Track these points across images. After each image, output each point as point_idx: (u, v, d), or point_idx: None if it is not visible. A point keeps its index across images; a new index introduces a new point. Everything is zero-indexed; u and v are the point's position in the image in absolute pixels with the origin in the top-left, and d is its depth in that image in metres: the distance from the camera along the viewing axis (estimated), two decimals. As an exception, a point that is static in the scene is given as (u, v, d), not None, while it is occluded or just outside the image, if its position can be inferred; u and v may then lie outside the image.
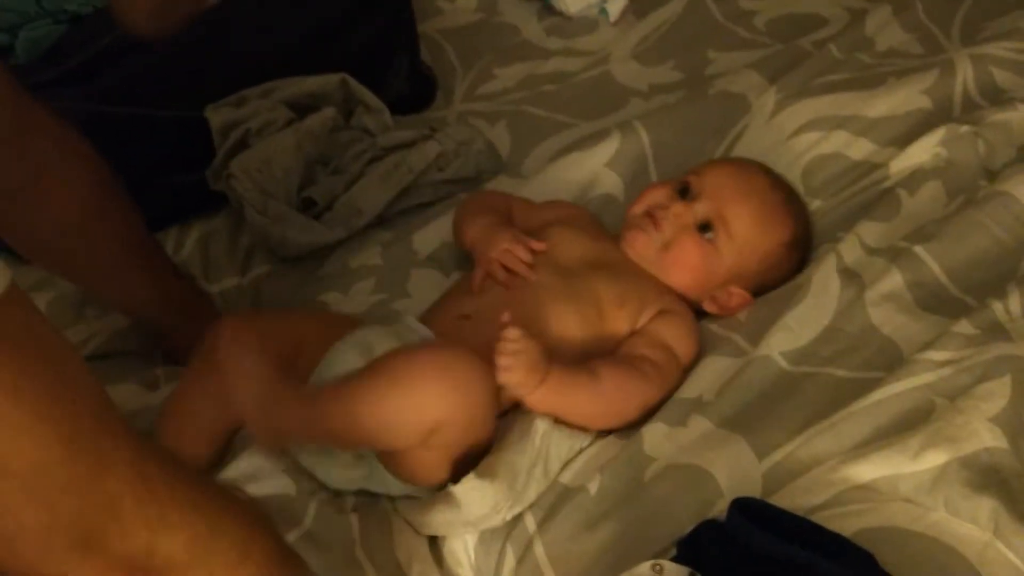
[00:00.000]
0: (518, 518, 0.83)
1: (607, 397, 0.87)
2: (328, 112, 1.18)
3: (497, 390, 0.82)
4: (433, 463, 0.83)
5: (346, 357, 0.88)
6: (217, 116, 1.17)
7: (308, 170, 1.17)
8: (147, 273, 1.01)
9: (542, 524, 0.82)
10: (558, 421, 0.87)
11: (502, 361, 0.83)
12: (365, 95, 1.23)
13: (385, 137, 1.19)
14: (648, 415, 0.89)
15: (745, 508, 0.73)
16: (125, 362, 1.04)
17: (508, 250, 0.95)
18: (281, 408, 0.79)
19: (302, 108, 1.20)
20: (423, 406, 0.78)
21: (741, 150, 1.15)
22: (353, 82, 1.22)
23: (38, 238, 0.93)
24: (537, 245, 0.96)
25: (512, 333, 0.83)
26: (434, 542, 0.85)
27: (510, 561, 0.80)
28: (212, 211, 1.20)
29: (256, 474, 0.87)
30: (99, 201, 0.94)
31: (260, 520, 0.69)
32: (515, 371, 0.83)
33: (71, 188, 0.91)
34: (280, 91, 1.20)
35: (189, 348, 0.96)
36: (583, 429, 0.88)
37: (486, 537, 0.82)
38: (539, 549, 0.80)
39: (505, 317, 0.84)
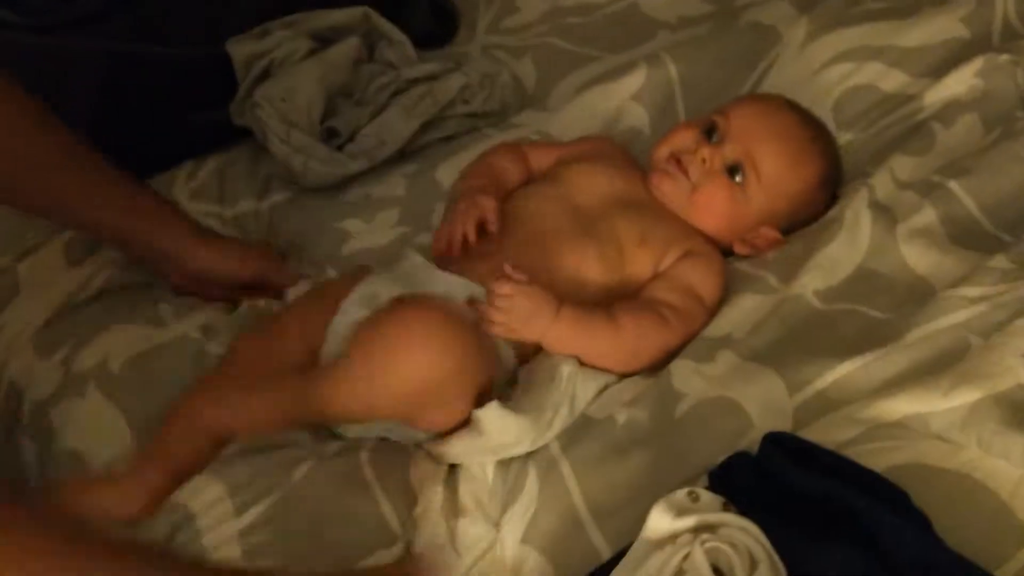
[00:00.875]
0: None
1: (626, 339, 0.87)
2: (352, 42, 1.16)
3: (472, 331, 0.81)
4: (449, 414, 0.83)
5: (351, 311, 0.87)
6: (240, 48, 1.15)
7: (331, 101, 1.16)
8: (112, 195, 0.97)
9: (567, 448, 0.81)
10: (583, 364, 0.86)
11: (493, 316, 0.84)
12: (388, 28, 1.21)
13: (409, 69, 1.18)
14: (672, 357, 0.88)
15: (778, 442, 0.73)
16: (132, 298, 1.02)
17: (464, 211, 0.92)
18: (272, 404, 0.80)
19: (325, 40, 1.18)
20: (406, 375, 0.77)
21: (771, 82, 1.13)
22: (376, 15, 1.20)
23: None
24: (491, 225, 0.92)
25: (500, 287, 0.84)
26: (451, 469, 0.85)
27: (532, 480, 0.79)
28: (231, 147, 1.19)
29: None
30: (35, 125, 0.92)
31: None
32: (509, 323, 0.84)
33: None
34: (303, 23, 1.18)
35: (182, 270, 0.97)
36: (607, 371, 0.88)
37: (504, 459, 0.82)
38: (565, 468, 0.79)
39: (506, 268, 0.85)
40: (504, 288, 0.84)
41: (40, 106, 0.93)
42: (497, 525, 0.79)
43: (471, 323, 0.82)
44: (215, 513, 0.79)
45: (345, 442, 0.86)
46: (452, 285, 0.88)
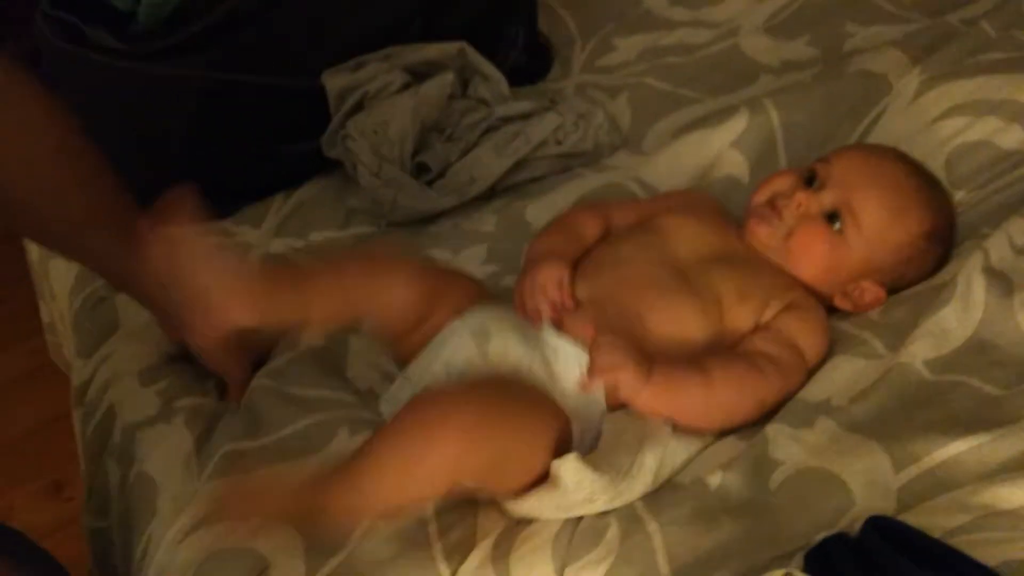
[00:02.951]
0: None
1: (719, 395, 0.83)
2: (447, 78, 1.15)
3: (533, 409, 0.79)
4: (521, 477, 0.79)
5: (461, 341, 0.85)
6: (334, 80, 1.15)
7: (422, 136, 1.15)
8: (117, 229, 0.90)
9: (652, 506, 0.77)
10: (675, 429, 0.83)
11: (597, 365, 0.81)
12: (483, 64, 1.20)
13: (503, 107, 1.16)
14: (767, 416, 0.84)
15: (881, 526, 0.69)
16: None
17: (542, 287, 0.88)
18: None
19: (420, 75, 1.17)
20: (436, 469, 0.74)
21: (879, 134, 1.08)
22: (471, 51, 1.19)
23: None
24: (569, 300, 0.88)
25: (599, 342, 0.81)
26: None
27: (613, 532, 0.76)
28: (321, 179, 1.19)
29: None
30: (59, 140, 0.87)
31: None
32: (610, 375, 0.81)
33: (27, 124, 0.85)
34: (398, 57, 1.18)
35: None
36: (698, 435, 0.84)
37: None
38: (651, 526, 0.75)
39: (589, 331, 0.82)
40: (602, 341, 0.82)
41: (79, 140, 0.89)
42: (560, 569, 0.75)
43: (522, 392, 0.79)
44: (289, 568, 0.77)
45: None
46: (567, 353, 0.86)
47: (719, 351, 0.87)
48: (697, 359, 0.84)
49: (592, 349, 0.83)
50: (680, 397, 0.82)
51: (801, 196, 0.92)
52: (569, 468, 0.77)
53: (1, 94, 0.84)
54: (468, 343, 0.85)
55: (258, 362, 0.96)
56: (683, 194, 1.04)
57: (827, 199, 0.91)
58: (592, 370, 0.82)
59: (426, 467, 0.73)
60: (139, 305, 1.00)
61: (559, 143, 1.13)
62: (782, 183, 0.94)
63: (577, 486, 0.77)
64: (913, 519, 0.71)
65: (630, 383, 0.81)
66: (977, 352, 0.84)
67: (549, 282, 0.89)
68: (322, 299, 0.86)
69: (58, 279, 1.18)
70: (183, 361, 0.99)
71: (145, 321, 1.01)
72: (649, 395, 0.81)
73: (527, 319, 0.88)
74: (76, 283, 1.13)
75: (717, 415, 0.84)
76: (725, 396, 0.83)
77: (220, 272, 0.83)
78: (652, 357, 0.82)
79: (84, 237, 0.91)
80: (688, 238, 0.93)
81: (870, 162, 0.94)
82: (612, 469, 0.78)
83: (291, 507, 0.75)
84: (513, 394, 0.80)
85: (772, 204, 0.93)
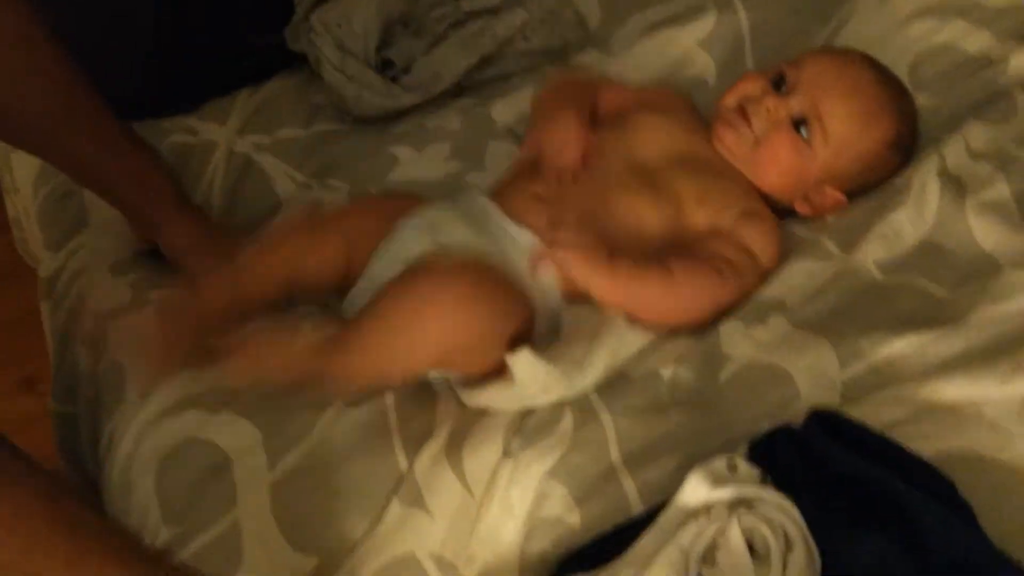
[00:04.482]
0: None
1: (678, 291, 0.84)
2: (413, -30, 1.13)
3: (508, 295, 0.81)
4: (483, 363, 0.81)
5: (411, 236, 0.86)
6: (298, -31, 1.12)
7: (387, 30, 1.13)
8: (91, 129, 0.91)
9: (606, 397, 0.80)
10: (630, 322, 0.84)
11: (551, 240, 0.82)
12: (450, -45, 1.17)
13: (469, 2, 1.14)
14: (720, 316, 0.86)
15: (823, 419, 0.71)
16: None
17: (562, 157, 0.91)
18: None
19: (385, -36, 1.15)
20: (430, 337, 0.78)
21: (847, 36, 1.08)
22: (438, -60, 1.16)
23: None
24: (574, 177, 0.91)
25: (558, 234, 0.83)
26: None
27: (567, 420, 0.78)
28: (286, 75, 1.17)
29: None
30: (23, 39, 0.85)
31: None
32: (568, 262, 0.82)
33: None
34: (365, -54, 1.15)
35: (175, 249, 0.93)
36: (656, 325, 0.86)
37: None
38: (604, 416, 0.78)
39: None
40: (561, 235, 0.83)
41: (42, 33, 0.87)
42: (510, 455, 0.77)
43: (501, 278, 0.81)
44: (250, 464, 0.79)
45: None
46: (516, 235, 0.87)
47: (678, 250, 0.88)
48: (659, 256, 0.86)
49: (548, 226, 0.83)
50: (641, 289, 0.84)
51: (770, 101, 0.92)
52: (522, 361, 0.79)
53: None
54: (421, 236, 0.86)
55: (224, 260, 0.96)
56: (660, 92, 1.03)
57: (795, 105, 0.92)
58: (546, 246, 0.83)
59: (422, 332, 0.77)
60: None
61: (526, 39, 1.12)
62: (751, 87, 0.94)
63: (530, 379, 0.79)
64: (855, 412, 0.74)
65: (584, 263, 0.82)
66: (927, 254, 0.86)
67: (566, 145, 0.91)
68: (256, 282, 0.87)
69: (21, 171, 1.17)
70: (153, 256, 1.00)
71: (114, 215, 1.01)
72: (609, 283, 0.82)
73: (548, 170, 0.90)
74: (39, 175, 1.12)
75: (674, 311, 0.85)
76: (684, 292, 0.85)
77: None
78: (614, 250, 0.83)
79: (46, 132, 0.90)
80: (657, 138, 0.94)
81: (840, 68, 0.94)
82: (565, 360, 0.80)
83: (293, 368, 0.78)
84: (494, 277, 0.82)
85: (740, 109, 0.93)
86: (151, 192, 0.95)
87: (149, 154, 0.98)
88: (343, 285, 0.89)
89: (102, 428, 0.89)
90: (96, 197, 1.02)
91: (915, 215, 0.88)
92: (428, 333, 0.77)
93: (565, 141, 0.92)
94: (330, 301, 0.91)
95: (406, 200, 0.92)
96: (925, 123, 0.99)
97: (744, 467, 0.70)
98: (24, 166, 1.16)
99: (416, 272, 0.81)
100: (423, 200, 0.92)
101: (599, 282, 0.83)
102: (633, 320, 0.84)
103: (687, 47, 1.09)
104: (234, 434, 0.81)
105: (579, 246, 0.82)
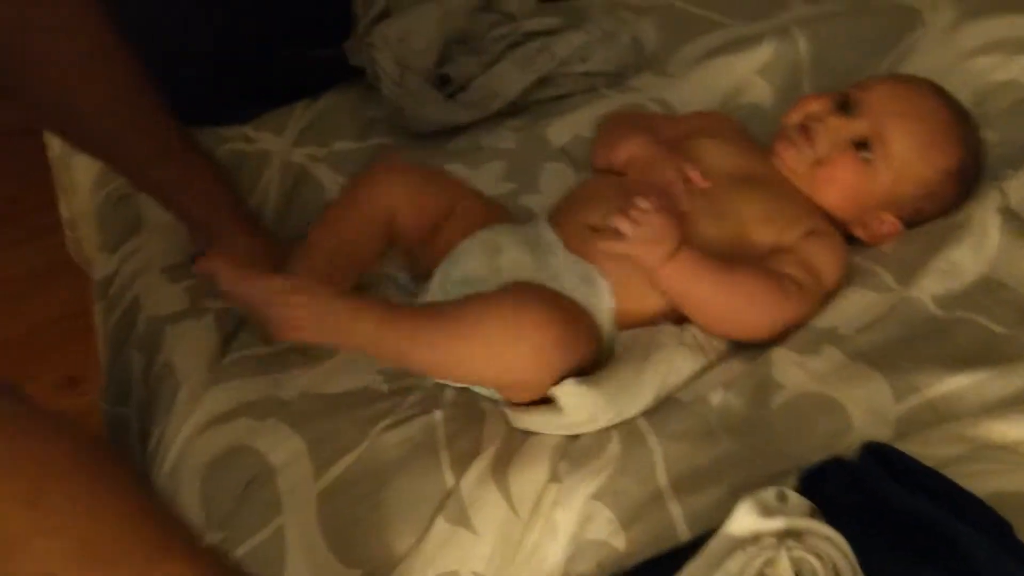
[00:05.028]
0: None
1: (740, 296, 0.83)
2: (474, -12, 1.14)
3: (577, 336, 0.80)
4: (535, 393, 0.81)
5: (472, 255, 0.86)
6: (361, -15, 1.14)
7: (447, 48, 1.14)
8: (154, 135, 0.91)
9: (655, 421, 0.79)
10: (682, 342, 0.84)
11: (622, 226, 0.81)
12: (511, -25, 1.18)
13: (528, 22, 1.15)
14: (775, 340, 0.85)
15: (877, 452, 0.70)
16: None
17: (672, 182, 0.90)
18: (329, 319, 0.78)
19: (446, -16, 1.16)
20: (492, 368, 0.78)
21: (908, 69, 1.08)
22: (500, -40, 1.18)
23: (38, 86, 0.86)
24: (701, 182, 0.90)
25: (641, 202, 0.82)
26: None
27: (615, 444, 0.78)
28: (343, 88, 1.19)
29: (349, 368, 0.87)
30: (98, 45, 0.86)
31: None
32: (634, 240, 0.81)
33: (66, 25, 0.84)
34: (427, -36, 1.16)
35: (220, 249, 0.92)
36: (702, 351, 0.85)
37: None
38: (651, 440, 0.77)
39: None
40: (643, 203, 0.82)
41: (112, 39, 0.88)
42: (557, 478, 0.77)
43: (581, 317, 0.81)
44: (297, 473, 0.79)
45: (424, 392, 0.86)
46: (572, 269, 0.87)
47: (746, 261, 0.87)
48: (727, 260, 0.85)
49: (630, 205, 0.83)
50: (703, 281, 0.83)
51: (833, 121, 0.91)
52: (569, 392, 0.78)
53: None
54: (480, 257, 0.86)
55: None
56: (708, 115, 1.03)
57: (859, 126, 0.91)
58: (624, 219, 0.82)
59: (515, 351, 0.77)
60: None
61: (583, 61, 1.13)
62: (815, 106, 0.94)
63: (578, 409, 0.79)
64: (909, 447, 0.73)
65: (666, 240, 0.81)
66: (986, 290, 0.85)
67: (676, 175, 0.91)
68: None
69: (81, 174, 1.19)
70: None
71: (170, 219, 1.03)
72: (674, 268, 0.82)
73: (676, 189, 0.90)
74: (99, 178, 1.14)
75: (729, 316, 0.84)
76: (744, 299, 0.83)
77: None
78: (685, 238, 0.83)
79: (111, 136, 0.91)
80: (716, 161, 0.93)
81: (906, 93, 0.93)
82: (613, 388, 0.79)
83: (359, 334, 0.78)
84: (577, 311, 0.83)
85: (803, 127, 0.92)
86: (209, 200, 0.96)
87: (209, 162, 0.99)
88: (425, 251, 0.91)
89: (151, 430, 0.89)
90: (152, 201, 1.04)
91: (975, 251, 0.87)
92: (522, 351, 0.77)
93: (653, 160, 0.92)
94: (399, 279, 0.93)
95: (497, 209, 0.94)
96: (988, 158, 0.98)
97: (795, 498, 0.69)
98: (84, 168, 1.18)
99: (518, 289, 0.81)
100: (503, 216, 0.93)
101: (665, 264, 0.82)
102: (683, 320, 0.84)
103: (745, 74, 1.09)
104: (281, 443, 0.81)
105: (660, 216, 0.82)
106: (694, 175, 0.91)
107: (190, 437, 0.85)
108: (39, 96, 0.87)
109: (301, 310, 0.77)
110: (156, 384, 0.92)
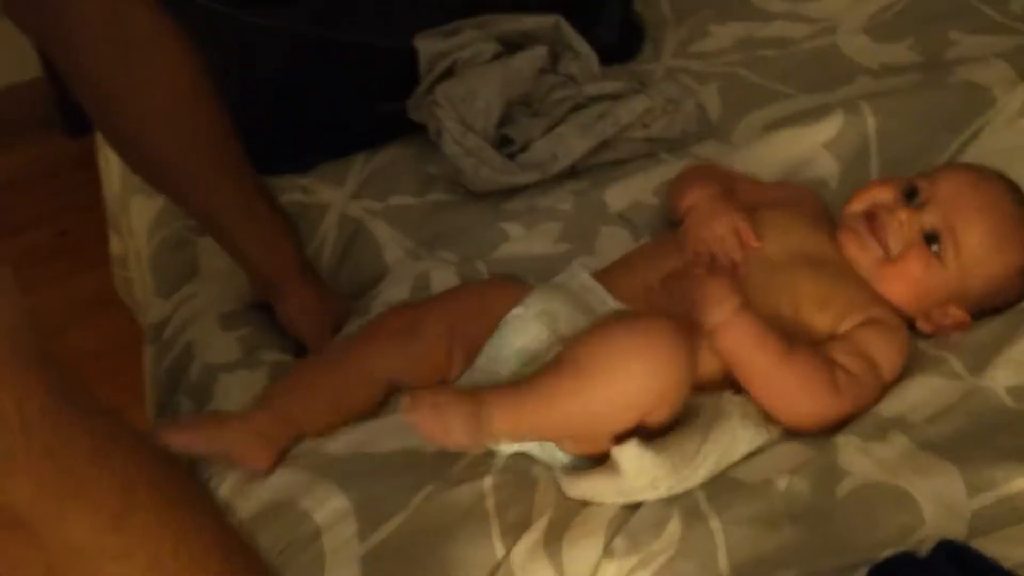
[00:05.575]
0: (686, 493, 0.78)
1: (791, 377, 0.81)
2: (539, 51, 1.15)
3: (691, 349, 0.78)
4: (602, 441, 0.79)
5: (528, 328, 0.85)
6: (427, 44, 1.15)
7: (508, 108, 1.14)
8: (233, 186, 0.92)
9: (716, 503, 0.77)
10: (744, 415, 0.81)
11: (686, 285, 0.81)
12: (575, 40, 1.19)
13: (591, 86, 1.15)
14: (831, 430, 0.82)
15: (951, 551, 0.67)
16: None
17: (722, 238, 0.89)
18: (481, 416, 0.75)
19: (512, 46, 1.17)
20: (634, 395, 0.75)
21: (977, 150, 1.05)
22: (566, 25, 1.18)
23: (129, 125, 0.88)
24: (753, 243, 0.90)
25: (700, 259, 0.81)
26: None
27: (675, 524, 0.75)
28: (403, 142, 1.19)
29: (397, 427, 0.84)
30: (191, 89, 0.88)
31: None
32: (696, 295, 0.81)
33: (165, 70, 0.86)
34: (493, 26, 1.17)
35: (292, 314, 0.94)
36: (764, 427, 0.83)
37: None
38: (714, 523, 0.75)
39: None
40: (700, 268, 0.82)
41: (205, 87, 0.90)
42: (613, 555, 0.74)
43: (692, 344, 0.78)
44: (341, 534, 0.78)
45: (473, 457, 0.84)
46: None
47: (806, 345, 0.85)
48: (789, 339, 0.83)
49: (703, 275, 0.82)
50: (760, 350, 0.81)
51: (903, 214, 0.89)
52: (631, 455, 0.76)
53: (145, 38, 0.85)
54: (537, 328, 0.84)
55: (336, 328, 0.97)
56: (793, 188, 1.02)
57: (928, 219, 0.89)
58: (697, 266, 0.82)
59: (651, 362, 0.75)
60: (220, 250, 1.01)
61: (646, 127, 1.12)
62: (882, 195, 0.92)
63: (638, 472, 0.76)
64: (985, 546, 0.70)
65: (727, 299, 0.80)
66: (1061, 382, 0.82)
67: (730, 231, 0.90)
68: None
69: (138, 216, 1.20)
70: (263, 311, 1.01)
71: (226, 267, 1.03)
72: (733, 331, 0.80)
73: (706, 265, 0.89)
74: (156, 221, 1.15)
75: (777, 392, 0.82)
76: (795, 381, 0.81)
77: None
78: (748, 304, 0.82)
79: (193, 180, 0.92)
80: (782, 236, 0.92)
81: (977, 185, 0.91)
82: (675, 454, 0.77)
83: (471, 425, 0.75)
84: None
85: (870, 216, 0.90)
86: (278, 255, 0.96)
87: (282, 216, 0.99)
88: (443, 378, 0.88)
89: (201, 476, 0.88)
90: (211, 247, 1.04)
91: (1050, 342, 0.84)
92: (636, 370, 0.75)
93: (712, 211, 0.91)
94: None
95: (508, 287, 0.91)
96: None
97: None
98: (142, 210, 1.19)
99: (609, 324, 0.79)
100: (527, 286, 0.91)
101: (724, 324, 0.81)
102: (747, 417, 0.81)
103: (811, 147, 1.07)
104: (327, 501, 0.79)
105: (727, 284, 0.81)
106: (746, 233, 0.90)
107: (234, 488, 0.83)
108: (124, 135, 0.88)
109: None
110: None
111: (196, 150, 0.92)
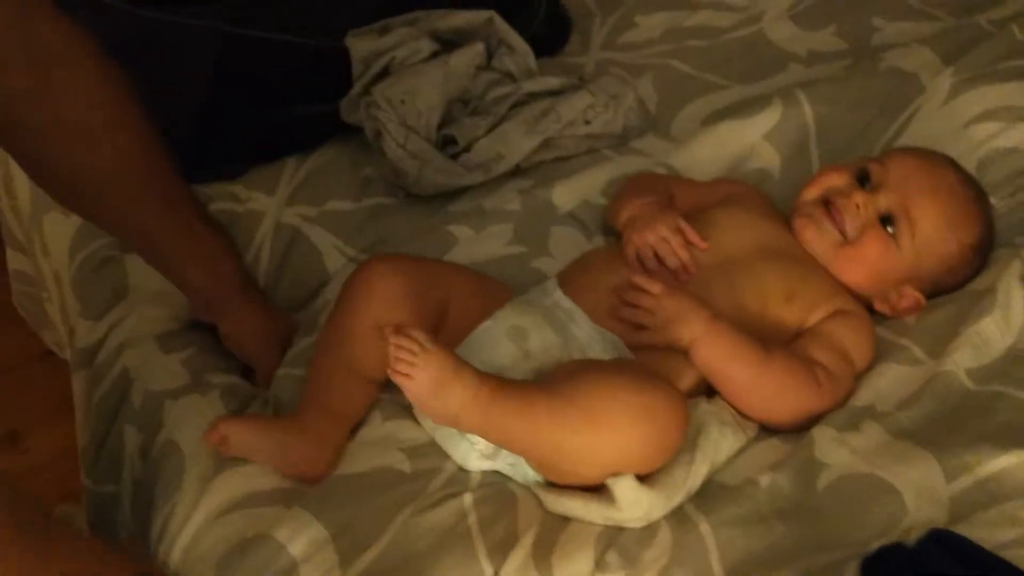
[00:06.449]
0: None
1: (771, 382, 0.82)
2: (477, 48, 1.12)
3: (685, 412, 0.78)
4: (593, 479, 0.78)
5: (498, 343, 0.83)
6: (359, 44, 1.11)
7: (448, 108, 1.11)
8: (166, 206, 0.88)
9: (704, 507, 0.77)
10: (723, 422, 0.81)
11: (641, 321, 0.81)
12: (510, 35, 1.16)
13: (530, 82, 1.13)
14: (806, 425, 0.83)
15: (941, 539, 0.69)
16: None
17: (665, 239, 0.89)
18: (457, 399, 0.74)
19: (447, 43, 1.14)
20: (620, 453, 0.74)
21: (911, 135, 1.08)
22: (500, 21, 1.16)
23: (47, 151, 0.82)
24: (698, 241, 0.90)
25: (650, 284, 0.82)
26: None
27: (665, 532, 0.75)
28: (335, 145, 1.15)
29: (368, 447, 0.83)
30: (112, 106, 0.83)
31: None
32: (660, 331, 0.81)
33: (83, 90, 0.81)
34: (425, 22, 1.14)
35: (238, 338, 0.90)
36: (742, 429, 0.83)
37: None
38: (703, 527, 0.75)
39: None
40: (654, 286, 0.82)
41: (130, 105, 0.85)
42: (605, 569, 0.73)
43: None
44: (320, 564, 0.75)
45: (449, 473, 0.82)
46: (598, 340, 0.84)
47: (780, 344, 0.86)
48: (764, 342, 0.83)
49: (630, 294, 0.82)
50: (738, 359, 0.81)
51: (859, 197, 0.90)
52: (628, 488, 0.75)
53: (61, 59, 0.79)
54: (506, 344, 0.83)
55: (284, 346, 0.94)
56: (733, 184, 1.02)
57: (883, 202, 0.90)
58: (645, 292, 0.81)
59: (645, 431, 0.74)
60: (149, 268, 0.95)
61: (587, 123, 1.11)
62: (835, 180, 0.93)
63: (633, 505, 0.75)
64: (966, 531, 0.72)
65: (692, 315, 0.81)
66: (1017, 363, 0.85)
67: (672, 232, 0.89)
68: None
69: (54, 235, 1.12)
70: (202, 330, 0.96)
71: (157, 285, 0.97)
72: (709, 344, 0.81)
73: (646, 271, 0.88)
74: (75, 241, 1.08)
75: (757, 398, 0.83)
76: (775, 384, 0.82)
77: None
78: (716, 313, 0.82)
79: (121, 199, 0.86)
80: (739, 232, 0.92)
81: (928, 168, 0.93)
82: (670, 484, 0.77)
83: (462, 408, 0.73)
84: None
85: (825, 202, 0.92)
86: (219, 274, 0.92)
87: (218, 232, 0.94)
88: None
89: (155, 512, 0.83)
90: (138, 265, 0.98)
91: (1002, 322, 0.87)
92: (624, 437, 0.74)
93: (651, 217, 0.90)
94: None
95: (498, 289, 0.90)
96: (998, 226, 0.99)
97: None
98: (58, 229, 1.11)
99: (618, 372, 0.79)
100: (502, 292, 0.89)
101: (699, 339, 0.81)
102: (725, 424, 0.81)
103: (752, 140, 1.08)
104: (302, 531, 0.76)
105: (673, 295, 0.82)
106: (689, 232, 0.90)
107: (203, 524, 0.79)
108: (46, 159, 0.82)
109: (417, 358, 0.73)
110: (158, 462, 0.86)
111: (122, 171, 0.85)
